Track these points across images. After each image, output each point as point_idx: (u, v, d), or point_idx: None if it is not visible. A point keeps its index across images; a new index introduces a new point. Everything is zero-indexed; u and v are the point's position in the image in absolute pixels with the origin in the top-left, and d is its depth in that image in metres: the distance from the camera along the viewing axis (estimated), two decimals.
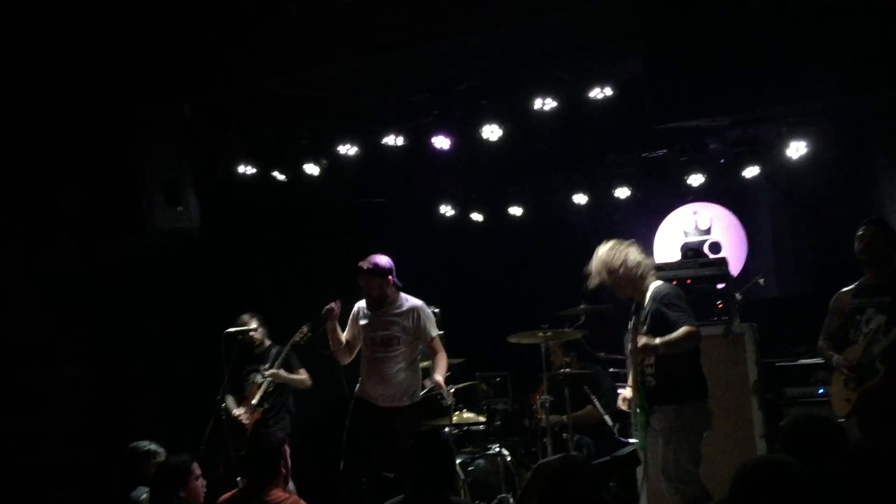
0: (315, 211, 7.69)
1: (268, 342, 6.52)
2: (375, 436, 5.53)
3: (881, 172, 6.12)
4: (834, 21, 4.43)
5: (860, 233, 4.62)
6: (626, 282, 4.89)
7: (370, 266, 5.54)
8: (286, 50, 5.46)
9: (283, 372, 6.31)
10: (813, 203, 7.16)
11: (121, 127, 5.83)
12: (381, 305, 5.57)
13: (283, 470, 3.88)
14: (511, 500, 6.08)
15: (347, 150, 6.64)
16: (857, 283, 4.70)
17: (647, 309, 4.79)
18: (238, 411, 6.30)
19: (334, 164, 6.86)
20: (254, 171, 6.89)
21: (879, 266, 4.57)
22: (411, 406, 5.64)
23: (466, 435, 6.75)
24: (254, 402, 6.32)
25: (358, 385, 5.71)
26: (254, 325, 6.39)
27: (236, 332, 6.20)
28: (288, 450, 3.99)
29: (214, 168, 6.55)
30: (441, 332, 5.82)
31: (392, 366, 5.56)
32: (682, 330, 4.52)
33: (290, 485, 6.14)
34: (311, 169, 6.86)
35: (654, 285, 4.85)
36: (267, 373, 6.29)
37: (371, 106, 6.45)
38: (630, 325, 5.00)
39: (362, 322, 5.66)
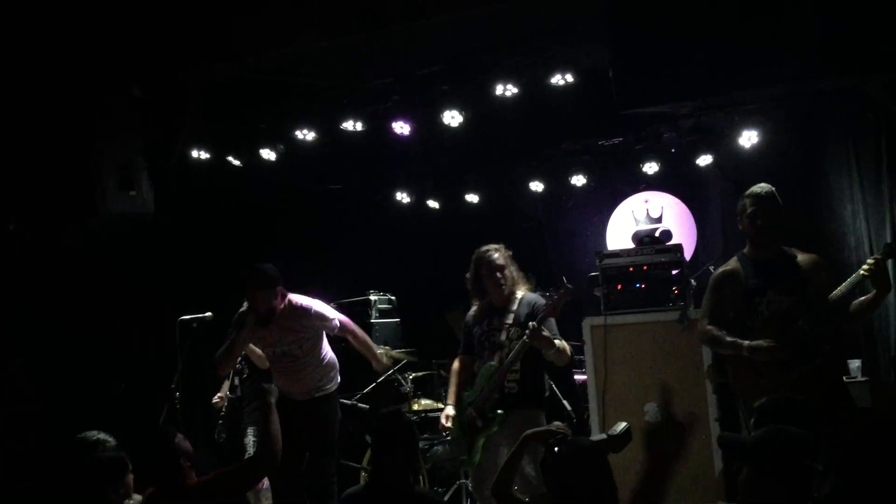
0: (271, 197, 7.59)
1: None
2: (300, 428, 5.31)
3: (830, 162, 6.28)
4: (791, 9, 4.51)
5: (750, 210, 4.35)
6: (511, 283, 4.98)
7: (259, 279, 5.16)
8: (245, 32, 5.35)
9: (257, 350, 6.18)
10: None
11: (73, 110, 5.65)
12: (271, 320, 5.22)
13: (186, 464, 3.73)
14: (470, 486, 6.11)
15: (305, 135, 6.55)
16: (734, 259, 4.44)
17: (518, 313, 4.92)
18: (219, 395, 6.27)
19: (291, 150, 6.76)
20: (209, 156, 6.75)
21: (769, 244, 4.34)
22: (328, 397, 5.47)
23: (424, 421, 6.76)
24: (226, 387, 6.27)
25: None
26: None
27: (191, 319, 6.07)
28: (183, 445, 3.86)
29: (169, 152, 6.39)
30: (339, 319, 5.50)
31: (302, 368, 5.37)
32: (566, 344, 4.81)
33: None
34: (268, 154, 6.75)
35: (526, 294, 5.03)
36: (224, 388, 6.14)
37: (330, 91, 6.37)
38: (480, 328, 4.98)
39: (258, 339, 5.40)
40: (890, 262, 4.38)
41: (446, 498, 6.10)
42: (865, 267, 4.03)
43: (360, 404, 6.62)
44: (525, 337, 4.60)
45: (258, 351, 6.15)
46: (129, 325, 6.90)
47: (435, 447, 6.40)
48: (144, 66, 5.81)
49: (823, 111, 6.07)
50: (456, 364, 5.15)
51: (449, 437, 5.27)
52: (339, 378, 5.59)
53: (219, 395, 6.39)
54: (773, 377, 4.22)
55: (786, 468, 2.16)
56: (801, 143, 6.57)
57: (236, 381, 6.38)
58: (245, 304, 5.29)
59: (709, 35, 4.59)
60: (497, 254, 5.03)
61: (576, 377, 6.79)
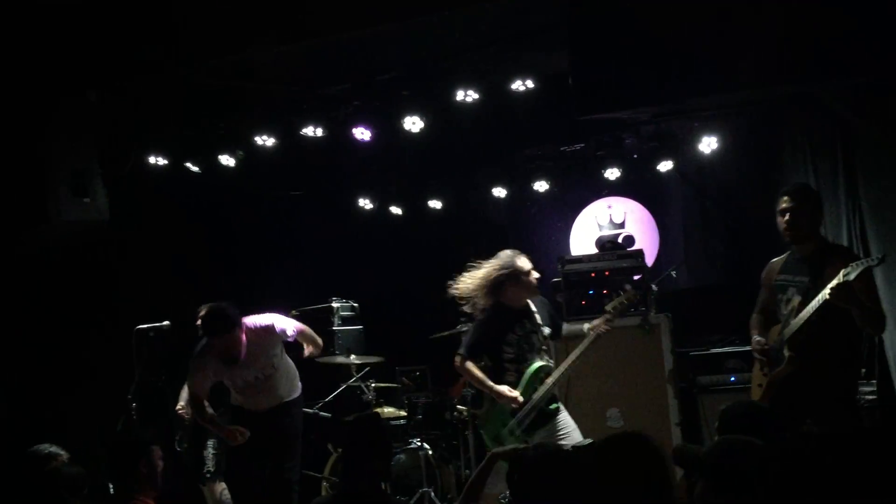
0: (231, 203, 7.49)
1: None
2: (259, 440, 5.26)
3: (788, 168, 6.35)
4: (747, 17, 4.55)
5: (782, 205, 4.29)
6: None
7: (224, 324, 5.04)
8: (200, 37, 5.25)
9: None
10: (722, 197, 7.40)
11: (26, 115, 5.51)
12: (238, 359, 5.14)
13: (145, 471, 3.64)
14: (433, 495, 6.07)
15: (265, 141, 6.47)
16: (788, 253, 4.43)
17: (541, 314, 5.07)
18: (181, 404, 6.16)
19: (251, 156, 6.68)
20: (166, 162, 6.64)
21: (805, 241, 4.30)
22: (294, 402, 5.48)
23: (388, 429, 6.70)
24: (186, 396, 6.16)
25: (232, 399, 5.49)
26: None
27: (148, 328, 5.96)
28: (158, 452, 3.79)
29: (124, 159, 6.27)
30: (295, 328, 5.45)
31: (275, 383, 5.36)
32: None
33: (221, 484, 6.05)
34: (227, 160, 6.66)
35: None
36: (183, 396, 6.05)
37: (290, 96, 6.29)
38: (514, 333, 4.97)
39: (223, 371, 5.26)
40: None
41: None
42: (828, 292, 4.00)
43: (321, 413, 6.55)
44: None
45: None
46: (83, 335, 6.75)
47: (398, 455, 6.35)
48: (100, 71, 5.69)
49: (781, 118, 6.14)
50: (472, 364, 5.02)
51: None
52: (300, 384, 5.54)
53: (181, 403, 6.27)
54: (764, 374, 4.35)
55: (738, 479, 2.14)
56: (760, 149, 6.63)
57: None
58: (202, 341, 5.21)
59: (666, 43, 4.62)
60: (525, 257, 5.06)
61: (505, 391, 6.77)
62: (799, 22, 4.33)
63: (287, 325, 5.35)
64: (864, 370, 5.45)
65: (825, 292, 3.98)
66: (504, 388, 4.84)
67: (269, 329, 5.23)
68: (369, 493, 3.37)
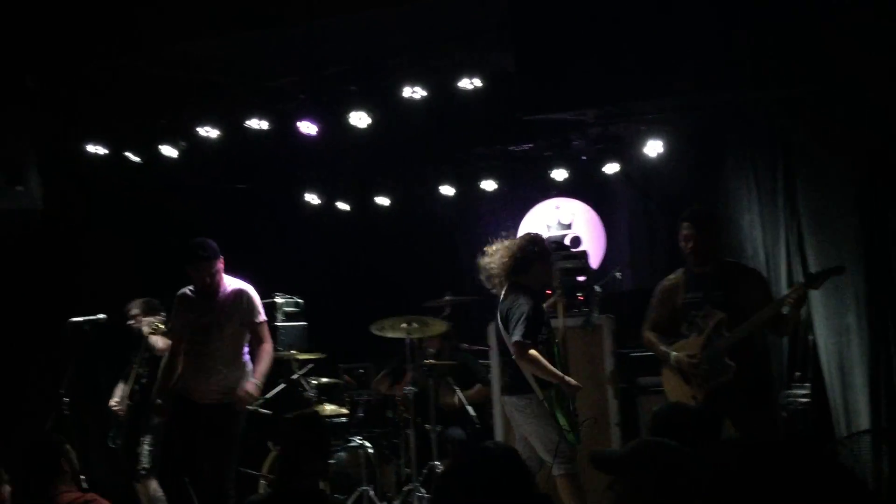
0: (173, 195, 7.34)
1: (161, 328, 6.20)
2: (197, 438, 5.17)
3: (730, 173, 6.43)
4: (688, 24, 4.61)
5: (684, 232, 4.54)
6: None
7: (205, 251, 5.21)
8: (143, 26, 5.14)
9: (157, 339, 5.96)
10: (666, 201, 7.47)
11: None
12: (211, 291, 5.22)
13: (66, 467, 3.57)
14: (372, 493, 6.03)
15: (208, 132, 6.35)
16: (680, 271, 4.64)
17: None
18: (115, 400, 6.07)
19: (194, 147, 6.55)
20: (106, 151, 6.48)
21: (707, 262, 4.54)
22: (232, 404, 5.23)
23: (328, 427, 6.64)
24: (122, 392, 6.05)
25: (180, 381, 5.33)
26: (135, 311, 6.12)
27: (82, 321, 5.82)
28: (71, 451, 3.70)
29: (62, 147, 6.11)
30: (265, 319, 5.46)
31: (213, 358, 5.21)
32: None
33: (154, 481, 5.93)
34: (169, 151, 6.53)
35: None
36: (118, 392, 5.97)
37: (234, 87, 6.19)
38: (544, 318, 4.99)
39: (187, 311, 5.29)
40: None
41: None
42: (790, 300, 4.25)
43: (261, 409, 6.46)
44: None
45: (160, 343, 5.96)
46: (14, 326, 6.56)
47: (338, 453, 6.29)
48: (38, 57, 5.54)
49: (724, 124, 6.22)
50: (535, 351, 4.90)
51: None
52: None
53: (115, 399, 6.15)
54: (694, 385, 4.49)
55: (655, 481, 2.14)
56: (703, 154, 6.72)
57: (136, 387, 6.14)
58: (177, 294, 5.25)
59: (609, 46, 4.70)
60: None
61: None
62: (737, 31, 4.42)
63: (256, 308, 5.33)
64: (798, 373, 5.59)
65: (785, 301, 4.22)
66: (570, 378, 4.87)
67: (236, 291, 5.27)
68: (306, 492, 3.33)
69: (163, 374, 5.34)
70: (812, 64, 4.50)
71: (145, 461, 5.92)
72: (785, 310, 4.29)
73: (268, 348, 5.34)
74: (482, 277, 5.17)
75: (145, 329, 6.03)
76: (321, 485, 5.64)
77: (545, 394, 4.82)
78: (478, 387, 6.54)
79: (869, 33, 4.32)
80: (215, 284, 5.22)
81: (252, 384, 5.23)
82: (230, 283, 5.33)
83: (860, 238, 4.88)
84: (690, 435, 2.78)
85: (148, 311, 6.17)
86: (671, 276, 4.69)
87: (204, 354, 5.20)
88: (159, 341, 6.05)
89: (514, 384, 4.92)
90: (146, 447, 5.95)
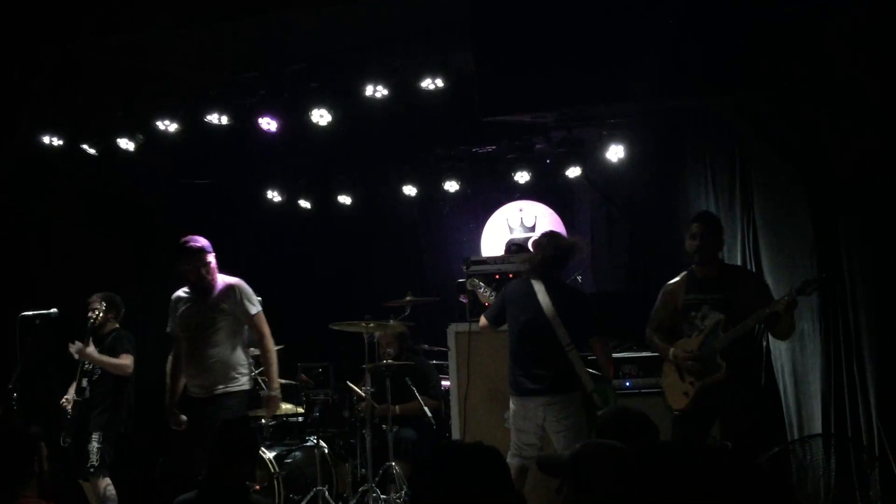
0: (130, 189, 7.24)
1: (114, 326, 6.12)
2: (194, 432, 5.12)
3: (689, 178, 6.50)
4: (652, 27, 4.65)
5: (693, 230, 4.62)
6: None
7: (195, 247, 5.16)
8: (97, 12, 5.04)
9: (91, 350, 5.86)
10: (628, 205, 7.52)
11: None
12: (205, 286, 5.18)
13: (37, 470, 3.50)
14: (327, 493, 5.99)
15: (167, 126, 6.27)
16: (684, 274, 4.74)
17: None
18: (66, 398, 5.98)
19: (152, 141, 6.46)
20: (61, 142, 6.37)
21: (709, 263, 4.64)
22: (230, 395, 5.18)
23: (284, 426, 6.58)
24: (73, 389, 5.94)
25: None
26: (97, 306, 6.01)
27: (33, 315, 5.71)
28: (45, 451, 3.63)
29: (11, 137, 5.99)
30: (260, 310, 5.39)
31: (208, 350, 5.13)
32: None
33: (105, 479, 5.84)
34: (126, 144, 6.43)
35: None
36: (73, 348, 5.86)
37: (194, 81, 6.12)
38: None
39: (181, 308, 5.25)
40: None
41: None
42: (781, 305, 4.35)
43: None
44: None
45: (107, 359, 5.92)
46: None
47: (293, 453, 6.23)
48: None
49: (683, 130, 6.28)
50: None
51: None
52: (247, 382, 5.29)
53: (66, 397, 6.05)
54: (687, 383, 4.59)
55: (598, 482, 2.14)
56: (663, 159, 6.78)
57: (84, 383, 6.03)
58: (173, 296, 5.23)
59: (568, 50, 4.73)
60: None
61: (441, 382, 6.77)
62: (689, 38, 4.48)
63: (249, 301, 5.28)
64: None
65: (778, 306, 4.33)
66: None
67: (228, 286, 5.23)
68: (232, 493, 3.40)
69: (171, 380, 5.28)
70: (759, 69, 4.56)
71: (94, 458, 5.83)
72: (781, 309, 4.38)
73: (269, 344, 5.31)
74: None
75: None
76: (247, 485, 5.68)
77: (599, 387, 4.92)
78: (415, 402, 6.47)
79: (813, 39, 4.38)
80: (210, 279, 5.17)
81: (272, 398, 5.28)
82: (222, 279, 5.28)
83: (812, 245, 4.94)
84: (632, 437, 2.78)
85: (111, 306, 6.08)
86: (675, 279, 4.79)
87: (199, 348, 5.14)
88: (129, 364, 6.01)
89: (563, 383, 4.91)
90: (96, 444, 5.87)
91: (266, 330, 5.34)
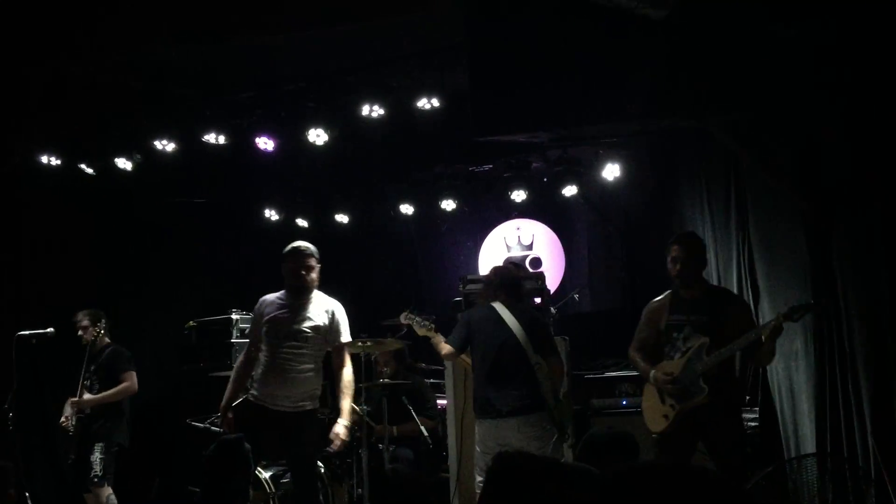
0: (128, 209, 7.27)
1: (104, 341, 6.12)
2: (272, 445, 5.02)
3: (684, 197, 6.52)
4: (645, 49, 4.69)
5: (673, 254, 4.57)
6: None
7: (303, 245, 5.06)
8: (94, 33, 5.07)
9: (88, 397, 5.91)
10: (624, 223, 7.54)
11: None
12: (303, 294, 5.01)
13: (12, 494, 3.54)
14: None
15: (164, 145, 6.30)
16: (668, 293, 4.69)
17: None
18: (64, 417, 5.96)
19: (150, 160, 6.49)
20: (59, 162, 6.40)
21: (693, 285, 4.56)
22: (314, 413, 5.10)
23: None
24: (70, 407, 5.95)
25: (252, 387, 5.07)
26: (86, 324, 6.02)
27: (30, 335, 5.71)
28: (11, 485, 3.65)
29: (8, 156, 6.02)
30: (349, 342, 5.24)
31: (299, 365, 4.95)
32: None
33: (108, 489, 5.83)
34: (124, 164, 6.47)
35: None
36: (68, 412, 5.90)
37: (191, 101, 6.16)
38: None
39: (272, 313, 5.02)
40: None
41: None
42: (767, 329, 4.33)
43: (213, 427, 6.37)
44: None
45: (98, 397, 5.92)
46: None
47: (289, 472, 6.20)
48: None
49: (679, 149, 6.30)
50: None
51: None
52: (317, 400, 5.18)
53: (64, 416, 6.05)
54: (668, 406, 4.53)
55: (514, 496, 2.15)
56: (659, 178, 6.80)
57: (85, 397, 6.04)
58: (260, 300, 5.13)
59: (562, 70, 4.75)
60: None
61: (437, 401, 6.76)
62: (682, 58, 4.50)
63: (344, 327, 5.13)
64: (748, 397, 5.65)
65: (763, 331, 4.30)
66: None
67: (329, 305, 5.09)
68: None
69: (234, 383, 5.12)
70: (749, 90, 4.58)
71: (98, 468, 5.84)
72: (767, 333, 4.36)
73: (349, 377, 5.16)
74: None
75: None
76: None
77: (560, 402, 4.95)
78: (412, 423, 6.44)
79: (805, 61, 4.42)
80: (309, 282, 5.02)
81: (342, 427, 5.07)
82: (324, 297, 5.14)
83: (806, 264, 4.94)
84: (612, 457, 2.79)
85: (95, 321, 6.09)
86: (658, 298, 4.73)
87: (290, 363, 4.95)
88: (133, 384, 6.02)
89: (535, 402, 4.92)
90: (98, 454, 5.87)
91: (349, 365, 5.21)
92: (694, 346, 4.45)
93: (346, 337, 5.17)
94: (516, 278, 5.25)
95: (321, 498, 5.19)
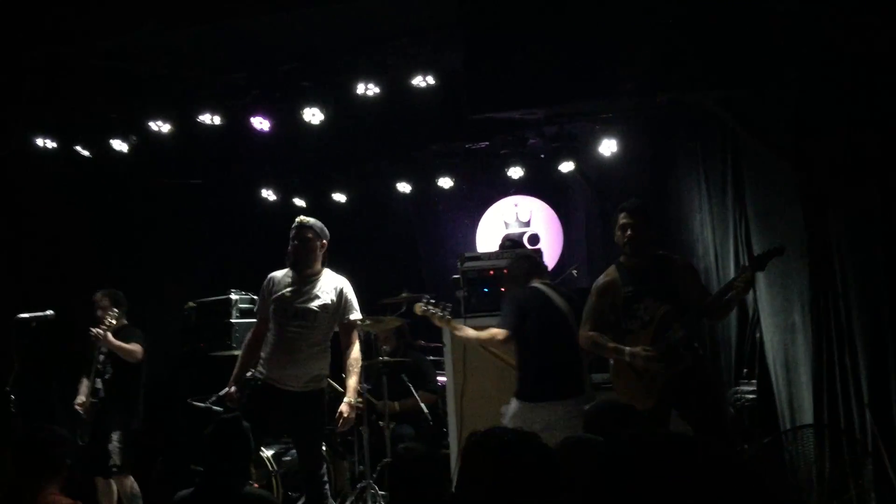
0: (125, 190, 7.26)
1: (122, 323, 6.09)
2: (279, 423, 5.10)
3: (681, 172, 6.51)
4: (640, 25, 4.67)
5: (622, 221, 4.58)
6: None
7: (312, 222, 5.05)
8: (87, 17, 5.04)
9: (110, 337, 5.81)
10: (622, 198, 7.51)
11: None
12: (308, 270, 5.00)
13: (56, 471, 3.56)
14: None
15: (160, 127, 6.28)
16: (612, 268, 4.67)
17: None
18: (79, 399, 5.97)
19: (146, 142, 6.48)
20: (55, 145, 6.39)
21: (640, 253, 4.57)
22: (322, 393, 5.10)
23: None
24: (85, 389, 5.97)
25: (260, 365, 5.04)
26: (105, 302, 6.01)
27: (30, 318, 5.71)
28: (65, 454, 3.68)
29: (6, 139, 6.01)
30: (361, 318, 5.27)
31: (306, 344, 4.94)
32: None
33: (129, 478, 5.86)
34: (120, 145, 6.45)
35: None
36: (91, 331, 5.79)
37: (186, 81, 6.13)
38: None
39: (279, 291, 5.01)
40: None
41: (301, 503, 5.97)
42: (740, 281, 4.31)
43: (214, 406, 6.41)
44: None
45: (122, 344, 5.86)
46: None
47: (291, 451, 6.26)
48: None
49: (675, 124, 6.29)
50: None
51: None
52: (326, 376, 5.23)
53: (80, 399, 6.05)
54: (648, 379, 4.48)
55: (576, 477, 2.18)
56: (656, 153, 6.79)
57: (98, 384, 6.05)
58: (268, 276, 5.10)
59: (557, 46, 4.74)
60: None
61: (438, 378, 6.80)
62: (678, 34, 4.48)
63: (353, 305, 5.14)
64: (745, 370, 5.68)
65: (734, 285, 4.31)
66: None
67: (337, 283, 5.10)
68: (228, 491, 3.42)
69: (243, 359, 5.12)
70: (745, 65, 4.56)
71: (116, 458, 5.86)
72: (730, 294, 4.36)
73: (356, 355, 5.17)
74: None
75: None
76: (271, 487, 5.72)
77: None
78: (412, 398, 6.48)
79: (803, 34, 4.40)
80: (311, 262, 5.01)
81: (347, 405, 5.06)
82: (332, 275, 5.15)
83: (803, 237, 4.94)
84: (616, 427, 2.83)
85: (114, 302, 6.07)
86: (606, 275, 4.70)
87: (297, 342, 4.94)
88: (139, 351, 5.99)
89: (584, 383, 4.95)
90: (116, 444, 5.88)
91: (357, 342, 5.24)
92: (658, 315, 4.42)
93: (355, 315, 5.16)
94: (541, 261, 5.32)
95: (326, 479, 5.20)
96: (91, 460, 5.91)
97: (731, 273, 5.67)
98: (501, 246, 7.09)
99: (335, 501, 5.96)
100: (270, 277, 5.16)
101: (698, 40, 4.55)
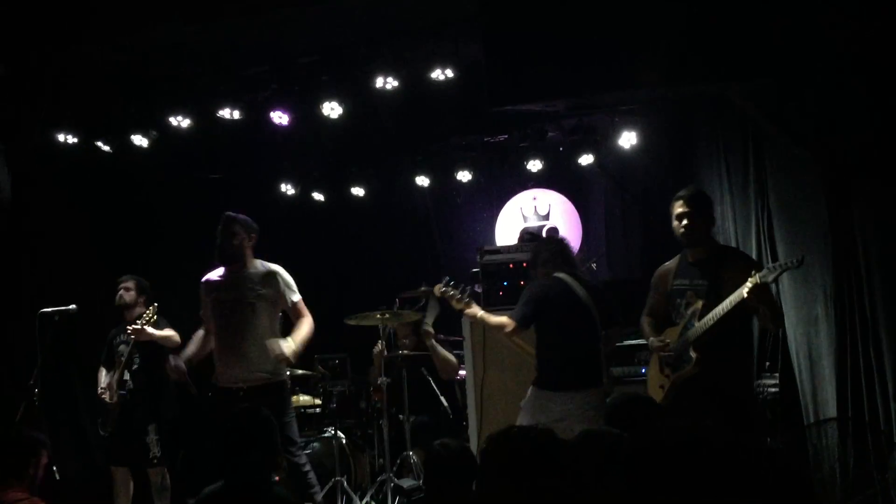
0: (145, 185, 7.30)
1: (146, 308, 5.95)
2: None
3: (702, 163, 6.47)
4: (661, 15, 4.62)
5: (678, 210, 4.32)
6: None
7: (229, 214, 5.16)
8: (111, 13, 5.07)
9: (147, 328, 5.67)
10: (642, 191, 7.49)
11: None
12: (236, 261, 5.06)
13: (31, 472, 3.58)
14: (345, 484, 6.04)
15: (179, 122, 6.31)
16: (677, 257, 4.51)
17: None
18: (101, 388, 5.90)
19: (166, 137, 6.51)
20: (76, 140, 6.43)
21: (699, 245, 4.34)
22: (277, 384, 5.11)
23: (302, 418, 6.63)
24: (105, 379, 5.92)
25: (216, 371, 5.14)
26: (129, 284, 5.98)
27: (53, 312, 5.75)
28: (45, 456, 3.69)
29: (28, 135, 6.04)
30: (300, 297, 5.29)
31: (245, 337, 4.98)
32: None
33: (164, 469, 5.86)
34: (140, 140, 6.48)
35: None
36: (129, 329, 5.73)
37: (205, 77, 6.15)
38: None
39: (213, 291, 5.10)
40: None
41: (322, 496, 5.99)
42: (745, 292, 3.99)
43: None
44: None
45: (163, 333, 5.81)
46: None
47: (312, 443, 6.29)
48: (4, 45, 5.46)
49: (696, 116, 6.24)
50: None
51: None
52: (285, 372, 5.23)
53: (102, 387, 6.00)
54: (664, 376, 4.38)
55: (597, 467, 2.18)
56: (676, 145, 6.75)
57: (126, 375, 6.00)
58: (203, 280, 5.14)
59: (578, 38, 4.68)
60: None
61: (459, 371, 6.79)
62: (701, 24, 4.42)
63: (290, 288, 5.17)
64: (767, 363, 5.63)
65: (742, 293, 3.98)
66: None
67: (268, 271, 5.14)
68: (255, 485, 3.35)
69: (193, 347, 5.24)
70: (771, 56, 4.50)
71: (156, 450, 5.81)
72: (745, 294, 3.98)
73: (308, 320, 5.22)
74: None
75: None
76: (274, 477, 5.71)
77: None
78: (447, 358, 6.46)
79: (824, 25, 4.34)
80: (240, 253, 5.10)
81: (287, 345, 5.03)
82: (261, 263, 5.21)
83: (826, 229, 4.88)
84: (635, 420, 2.81)
85: (140, 289, 6.05)
86: (667, 263, 4.55)
87: (236, 336, 5.00)
88: (176, 335, 5.89)
89: (602, 375, 4.88)
90: (153, 436, 5.82)
91: (308, 315, 5.25)
92: (692, 311, 4.25)
93: (296, 296, 5.21)
94: (567, 247, 5.15)
95: (310, 467, 5.24)
96: (126, 452, 5.87)
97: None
98: (520, 239, 7.06)
99: (355, 494, 6.00)
100: (203, 281, 5.25)
101: (720, 30, 4.49)
